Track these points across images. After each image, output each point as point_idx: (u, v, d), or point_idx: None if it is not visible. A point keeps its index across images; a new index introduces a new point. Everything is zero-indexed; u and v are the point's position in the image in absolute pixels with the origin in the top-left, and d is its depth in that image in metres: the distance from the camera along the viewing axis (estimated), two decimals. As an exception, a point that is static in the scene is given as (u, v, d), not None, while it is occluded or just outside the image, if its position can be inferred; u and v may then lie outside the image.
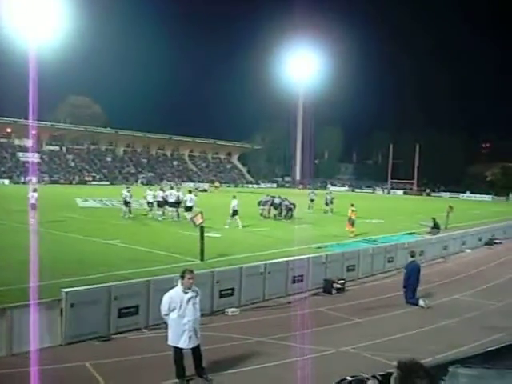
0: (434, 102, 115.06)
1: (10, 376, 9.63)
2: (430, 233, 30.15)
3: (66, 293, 11.59)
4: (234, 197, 33.38)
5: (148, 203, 35.39)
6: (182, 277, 9.55)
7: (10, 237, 24.59)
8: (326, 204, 45.26)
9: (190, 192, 35.98)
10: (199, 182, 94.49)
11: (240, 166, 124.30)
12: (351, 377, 4.05)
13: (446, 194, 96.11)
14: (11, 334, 10.74)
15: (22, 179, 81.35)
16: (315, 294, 17.11)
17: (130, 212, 35.13)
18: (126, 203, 35.39)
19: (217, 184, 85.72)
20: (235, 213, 32.16)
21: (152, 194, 35.28)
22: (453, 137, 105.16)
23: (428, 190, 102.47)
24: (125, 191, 35.81)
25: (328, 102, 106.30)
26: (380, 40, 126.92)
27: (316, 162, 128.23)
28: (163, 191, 35.51)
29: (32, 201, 29.75)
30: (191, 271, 9.77)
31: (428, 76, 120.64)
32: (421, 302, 15.86)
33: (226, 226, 30.94)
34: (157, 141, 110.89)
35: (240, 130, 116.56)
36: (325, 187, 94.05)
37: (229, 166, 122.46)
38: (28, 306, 11.45)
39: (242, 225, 31.32)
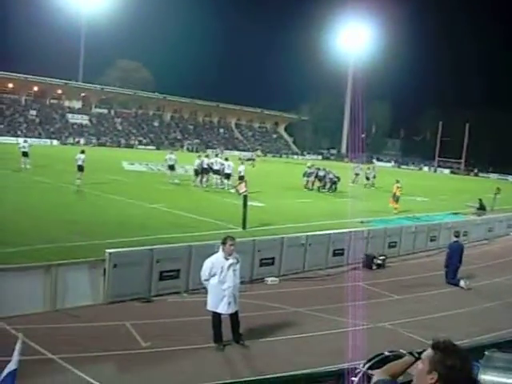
0: (488, 79, 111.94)
1: (52, 331, 9.92)
2: (475, 214, 29.61)
3: (110, 253, 11.82)
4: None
5: (195, 170, 35.36)
6: (224, 243, 9.64)
7: (56, 197, 25.13)
8: (367, 178, 45.26)
9: (226, 159, 36.21)
10: (244, 150, 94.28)
11: (286, 136, 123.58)
12: (388, 352, 4.05)
13: (495, 176, 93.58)
14: (55, 290, 11.03)
15: (71, 140, 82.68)
16: (355, 269, 17.03)
17: (174, 177, 35.43)
18: (171, 167, 35.77)
19: (258, 153, 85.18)
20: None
21: (200, 161, 35.20)
22: (505, 116, 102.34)
23: (476, 170, 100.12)
24: (169, 156, 36.19)
25: (378, 75, 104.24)
26: (435, 13, 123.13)
27: (363, 136, 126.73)
28: (208, 158, 35.66)
29: (79, 162, 30.25)
30: (233, 238, 9.85)
31: (484, 52, 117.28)
32: (462, 283, 15.69)
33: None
34: (204, 108, 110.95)
35: (288, 100, 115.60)
36: (371, 162, 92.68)
37: (275, 136, 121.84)
38: (72, 264, 11.76)
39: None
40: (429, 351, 2.91)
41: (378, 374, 3.30)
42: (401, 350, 4.05)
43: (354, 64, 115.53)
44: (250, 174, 33.61)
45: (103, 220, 19.96)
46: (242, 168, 34.25)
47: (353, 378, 3.98)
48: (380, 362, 3.89)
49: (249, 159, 74.73)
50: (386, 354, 4.01)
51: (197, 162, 34.64)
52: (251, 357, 9.61)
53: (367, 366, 3.94)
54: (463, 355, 2.83)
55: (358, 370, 3.97)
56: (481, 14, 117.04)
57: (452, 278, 15.91)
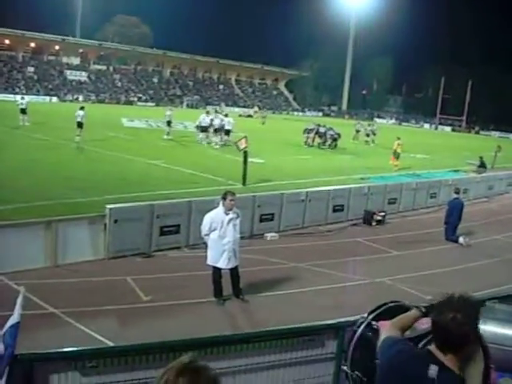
0: (490, 36, 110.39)
1: (53, 286, 9.99)
2: (475, 171, 29.55)
3: (110, 209, 11.83)
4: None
5: (200, 127, 35.09)
6: (224, 198, 9.62)
7: (56, 153, 25.04)
8: (367, 135, 45.31)
9: (226, 115, 36.40)
10: (244, 107, 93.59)
11: (286, 92, 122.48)
12: (394, 302, 4.05)
13: (496, 134, 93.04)
14: (56, 246, 11.07)
15: (69, 97, 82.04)
16: (355, 225, 17.12)
17: (170, 133, 35.63)
18: (169, 123, 36.05)
19: (255, 109, 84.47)
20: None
21: (206, 118, 34.93)
22: (507, 75, 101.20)
23: (477, 128, 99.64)
24: (168, 112, 36.32)
25: (380, 31, 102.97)
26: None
27: (364, 92, 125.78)
28: (208, 115, 35.42)
29: (78, 119, 30.08)
30: (233, 193, 9.83)
31: (486, 10, 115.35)
32: (461, 240, 15.74)
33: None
34: (204, 64, 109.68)
35: (288, 56, 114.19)
36: (371, 119, 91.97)
37: (275, 93, 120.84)
38: (73, 220, 11.78)
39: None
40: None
41: (387, 328, 3.29)
42: (405, 302, 4.06)
43: (355, 19, 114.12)
44: (250, 131, 33.43)
45: (103, 176, 19.92)
46: (228, 120, 34.78)
47: (356, 328, 4.00)
48: (384, 313, 3.90)
49: (249, 115, 74.57)
50: (390, 304, 4.01)
51: (205, 118, 34.41)
52: (251, 311, 9.70)
53: (372, 316, 3.96)
54: (453, 310, 2.76)
55: (362, 320, 3.98)
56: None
57: (451, 234, 15.95)
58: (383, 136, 44.02)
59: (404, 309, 3.66)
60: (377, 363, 3.20)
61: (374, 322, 3.82)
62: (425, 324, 3.39)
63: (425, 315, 3.40)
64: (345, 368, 4.01)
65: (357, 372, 3.85)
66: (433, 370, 2.71)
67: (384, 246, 14.72)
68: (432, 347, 2.84)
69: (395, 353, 2.93)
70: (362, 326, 3.93)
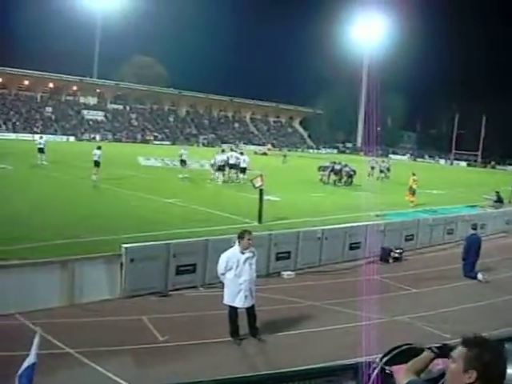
0: (503, 71, 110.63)
1: (69, 325, 9.98)
2: (492, 206, 29.35)
3: (126, 248, 11.87)
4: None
5: (216, 166, 35.21)
6: (242, 237, 9.62)
7: (73, 192, 25.27)
8: (381, 171, 45.71)
9: (242, 154, 36.60)
10: (259, 145, 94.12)
11: (301, 130, 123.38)
12: (406, 345, 4.01)
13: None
14: (72, 285, 11.10)
15: (87, 136, 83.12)
16: (372, 262, 16.97)
17: (185, 172, 35.48)
18: (183, 162, 36.06)
19: (269, 147, 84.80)
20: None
21: (222, 156, 35.13)
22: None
23: (493, 163, 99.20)
24: (182, 151, 36.45)
25: (393, 68, 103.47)
26: (450, 5, 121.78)
27: (378, 129, 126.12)
28: (224, 153, 35.67)
29: (95, 158, 30.43)
30: (250, 232, 9.84)
31: (499, 45, 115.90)
32: (479, 276, 15.56)
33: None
34: (219, 102, 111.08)
35: (302, 94, 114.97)
36: (386, 155, 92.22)
37: (290, 130, 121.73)
38: (89, 259, 11.81)
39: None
40: (461, 349, 2.83)
41: (403, 374, 3.25)
42: (416, 344, 4.01)
43: (368, 56, 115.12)
44: (266, 168, 33.56)
45: (120, 215, 20.03)
46: (243, 158, 35.18)
47: (370, 373, 3.95)
48: (396, 356, 3.85)
49: (264, 153, 74.88)
50: (403, 347, 3.97)
51: (220, 157, 34.62)
52: (268, 351, 9.61)
53: (384, 360, 3.91)
54: (497, 349, 2.79)
55: (375, 365, 3.93)
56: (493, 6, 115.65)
57: (470, 271, 15.79)
58: (398, 172, 44.01)
59: (417, 351, 3.62)
60: None
61: (387, 367, 3.78)
62: (440, 365, 3.35)
63: (438, 356, 3.36)
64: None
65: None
66: None
67: (402, 284, 14.59)
68: None
69: None
70: (376, 371, 3.88)
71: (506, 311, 12.65)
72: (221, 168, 34.46)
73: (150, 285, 12.13)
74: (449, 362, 2.95)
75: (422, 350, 3.55)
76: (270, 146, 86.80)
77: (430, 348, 3.46)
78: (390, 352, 3.96)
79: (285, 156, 60.29)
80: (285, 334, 10.29)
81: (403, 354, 3.72)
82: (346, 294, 13.05)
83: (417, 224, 19.95)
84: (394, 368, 3.52)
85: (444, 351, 3.31)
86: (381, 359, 3.96)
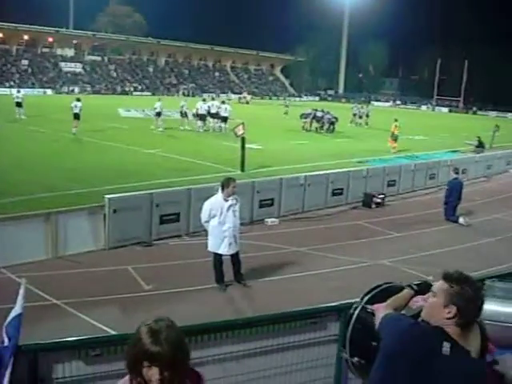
0: (485, 16, 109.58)
1: (55, 277, 10.00)
2: (474, 151, 29.53)
3: (109, 199, 11.82)
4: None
5: (197, 115, 34.96)
6: (227, 185, 9.57)
7: (53, 145, 25.01)
8: (360, 117, 46.16)
9: (223, 102, 36.26)
10: (240, 93, 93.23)
11: (283, 78, 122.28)
12: (386, 283, 4.06)
13: (494, 113, 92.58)
14: (56, 237, 11.07)
15: (65, 89, 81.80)
16: (354, 208, 17.13)
17: (160, 125, 34.74)
18: (158, 114, 35.26)
19: (245, 94, 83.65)
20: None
21: (203, 105, 34.80)
22: (504, 54, 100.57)
23: (475, 108, 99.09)
24: (157, 103, 35.44)
25: (375, 13, 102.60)
26: None
27: (360, 75, 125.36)
28: (205, 103, 35.38)
29: (75, 110, 30.04)
30: (234, 180, 9.82)
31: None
32: (461, 220, 15.73)
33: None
34: (198, 51, 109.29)
35: (283, 41, 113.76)
36: (368, 102, 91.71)
37: (271, 78, 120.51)
38: (72, 211, 11.76)
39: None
40: (441, 283, 2.87)
41: (381, 309, 3.29)
42: (396, 282, 4.06)
43: (349, 3, 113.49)
44: (246, 117, 33.34)
45: (101, 167, 19.90)
46: (225, 107, 34.80)
47: (352, 312, 4.01)
48: (377, 295, 3.90)
49: (246, 102, 74.28)
50: (384, 286, 4.02)
51: (202, 106, 34.36)
52: (253, 296, 9.72)
53: (365, 299, 3.96)
54: (477, 286, 2.83)
55: (356, 305, 3.99)
56: None
57: (451, 214, 15.95)
58: (380, 118, 44.00)
59: (397, 289, 3.66)
60: (375, 344, 3.18)
61: (368, 306, 3.83)
62: (420, 302, 3.40)
63: (417, 293, 3.41)
64: (344, 355, 4.02)
65: (356, 358, 3.87)
66: (446, 348, 2.72)
67: (384, 228, 14.73)
68: (442, 324, 2.82)
69: (407, 327, 2.91)
70: (358, 310, 3.94)
71: (487, 253, 12.87)
72: (202, 117, 34.26)
73: (134, 235, 12.13)
74: (428, 296, 2.99)
75: (402, 289, 3.60)
76: (245, 93, 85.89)
77: (409, 285, 3.50)
78: (370, 291, 4.01)
79: (287, 106, 56.43)
80: (270, 280, 10.39)
81: (384, 293, 3.77)
82: (329, 240, 13.21)
83: (399, 169, 20.04)
84: (375, 306, 3.57)
85: (423, 288, 3.35)
86: (361, 298, 4.01)
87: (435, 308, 2.86)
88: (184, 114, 35.92)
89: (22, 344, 3.93)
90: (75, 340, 4.45)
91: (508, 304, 3.90)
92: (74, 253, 11.17)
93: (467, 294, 2.76)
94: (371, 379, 3.02)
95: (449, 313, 2.78)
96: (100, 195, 12.55)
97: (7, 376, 3.66)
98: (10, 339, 3.86)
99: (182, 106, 35.97)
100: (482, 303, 2.85)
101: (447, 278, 2.85)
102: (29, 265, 10.13)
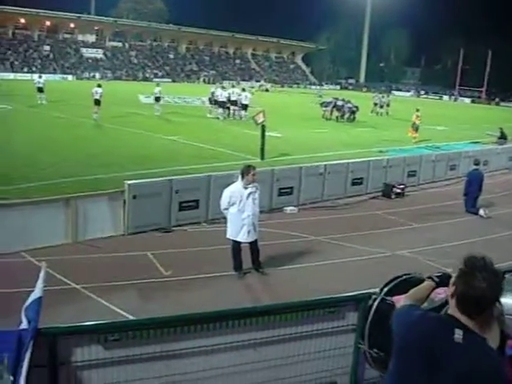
0: (509, 6, 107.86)
1: (74, 261, 10.08)
2: (496, 143, 29.21)
3: (129, 185, 11.87)
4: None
5: (216, 102, 35.00)
6: (247, 172, 9.55)
7: (74, 131, 25.12)
8: (381, 107, 45.82)
9: (243, 90, 36.26)
10: (262, 81, 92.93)
11: (303, 66, 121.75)
12: (406, 275, 4.03)
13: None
14: (76, 222, 11.15)
15: (86, 75, 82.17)
16: (374, 198, 17.04)
17: (158, 109, 34.91)
18: (157, 99, 35.32)
19: (262, 83, 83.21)
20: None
21: (223, 92, 34.81)
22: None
23: (497, 99, 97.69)
24: (157, 88, 35.55)
25: (397, 1, 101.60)
26: None
27: (382, 65, 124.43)
28: (224, 89, 35.36)
29: (96, 96, 30.16)
30: (254, 167, 9.80)
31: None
32: (481, 212, 15.59)
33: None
34: (219, 38, 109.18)
35: (305, 29, 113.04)
36: (390, 91, 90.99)
37: (292, 66, 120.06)
38: (92, 196, 11.84)
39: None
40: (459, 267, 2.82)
41: (402, 301, 3.25)
42: (416, 274, 4.02)
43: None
44: (267, 105, 33.25)
45: (122, 153, 19.97)
46: (245, 95, 34.78)
47: (371, 304, 3.99)
48: (396, 287, 3.88)
49: (266, 89, 74.04)
50: (403, 277, 3.99)
51: (222, 93, 34.37)
52: (271, 284, 9.73)
53: (385, 290, 3.94)
54: (487, 273, 2.70)
55: (375, 296, 3.97)
56: None
57: (471, 206, 15.81)
58: (401, 108, 43.70)
59: (417, 281, 3.61)
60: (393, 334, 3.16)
61: (388, 297, 3.80)
62: (442, 294, 3.35)
63: (438, 285, 3.35)
64: (362, 347, 4.01)
65: (375, 349, 3.85)
66: (458, 335, 2.68)
67: (403, 219, 14.64)
68: (453, 312, 2.79)
69: (417, 318, 2.88)
70: (377, 302, 3.91)
71: (507, 246, 12.72)
72: (222, 105, 34.24)
73: (153, 221, 12.18)
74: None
75: (422, 281, 3.55)
76: (262, 81, 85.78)
77: (430, 277, 3.46)
78: (389, 282, 3.98)
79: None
80: (288, 268, 10.38)
81: (404, 285, 3.74)
82: (348, 229, 13.16)
83: (419, 160, 19.88)
84: (395, 298, 3.54)
85: (444, 280, 3.28)
86: (381, 290, 3.99)
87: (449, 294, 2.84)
88: (157, 100, 35.61)
89: (41, 327, 3.96)
90: (94, 324, 4.50)
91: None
92: (93, 238, 11.26)
93: (470, 278, 2.70)
94: (389, 371, 3.00)
95: (450, 292, 2.78)
96: (120, 181, 12.61)
97: (27, 358, 3.69)
98: (29, 322, 3.89)
99: (157, 92, 35.51)
100: (491, 294, 2.73)
101: (464, 260, 2.80)
102: (49, 249, 10.23)
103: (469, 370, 2.65)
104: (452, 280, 2.81)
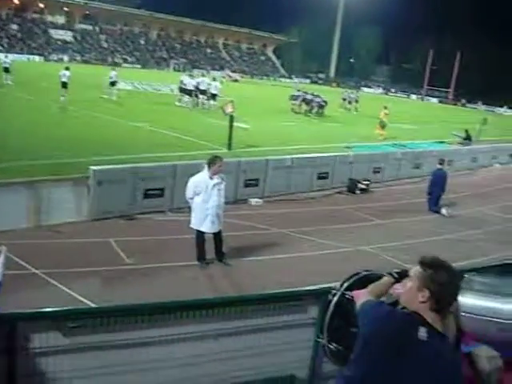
0: (481, 6, 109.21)
1: (36, 246, 9.95)
2: (460, 144, 29.69)
3: (94, 170, 11.76)
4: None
5: (184, 90, 34.79)
6: (213, 163, 9.54)
7: (39, 113, 24.71)
8: (349, 103, 46.02)
9: (214, 79, 36.12)
10: (232, 71, 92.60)
11: (274, 58, 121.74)
12: (365, 271, 4.08)
13: (482, 107, 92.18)
14: (39, 206, 11.00)
15: (54, 57, 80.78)
16: (339, 193, 17.19)
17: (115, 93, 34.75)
18: (113, 84, 35.10)
19: (229, 73, 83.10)
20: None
21: (191, 81, 34.67)
22: (496, 48, 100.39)
23: (464, 101, 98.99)
24: (112, 72, 35.40)
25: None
26: None
27: (352, 60, 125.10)
28: (193, 78, 35.23)
29: (63, 79, 29.75)
30: (221, 158, 9.79)
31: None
32: (443, 211, 15.82)
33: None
34: (191, 26, 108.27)
35: (277, 21, 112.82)
36: (358, 87, 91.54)
37: (263, 58, 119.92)
38: (56, 181, 11.69)
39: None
40: (417, 268, 2.90)
41: (361, 295, 3.30)
42: (375, 271, 4.08)
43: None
44: (236, 96, 33.19)
45: (88, 138, 19.70)
46: (215, 85, 34.57)
47: (330, 298, 4.02)
48: (356, 282, 3.92)
49: (235, 80, 73.94)
50: (363, 273, 4.04)
51: (191, 81, 34.20)
52: (234, 275, 9.74)
53: (345, 286, 3.98)
54: (452, 271, 2.84)
55: (335, 291, 4.00)
56: None
57: (434, 205, 16.03)
58: (370, 105, 44.00)
59: (376, 277, 3.67)
60: (354, 331, 3.20)
61: (348, 292, 3.85)
62: (400, 289, 3.42)
63: (397, 281, 3.42)
64: (321, 341, 4.05)
65: (334, 344, 3.89)
66: (422, 332, 2.75)
67: (367, 215, 14.81)
68: (419, 309, 2.85)
69: (385, 314, 2.94)
70: (337, 297, 3.95)
71: (468, 245, 12.97)
72: (190, 93, 34.08)
73: (117, 208, 12.09)
74: (406, 280, 3.01)
75: (380, 277, 3.61)
76: (229, 71, 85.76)
77: (389, 273, 3.52)
78: (349, 278, 4.02)
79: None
80: (251, 260, 10.42)
81: (363, 281, 3.78)
82: (312, 223, 13.24)
83: (385, 157, 20.11)
84: (354, 293, 3.58)
85: (403, 276, 3.36)
86: (341, 285, 4.02)
87: (411, 293, 2.90)
88: (112, 84, 35.21)
89: (0, 313, 3.91)
90: (53, 311, 4.44)
91: (486, 298, 3.94)
92: (56, 223, 11.11)
93: (441, 278, 2.79)
94: (350, 365, 3.04)
95: (422, 297, 2.81)
96: (86, 166, 12.45)
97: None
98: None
99: (112, 76, 35.21)
100: (458, 289, 2.90)
101: (423, 262, 2.89)
102: (9, 233, 10.04)
103: (432, 365, 2.72)
104: (415, 284, 2.87)
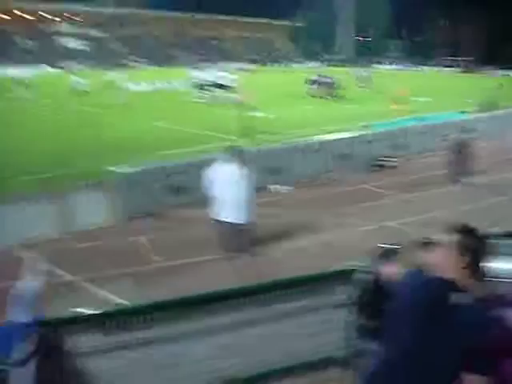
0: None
1: (67, 252, 10.11)
2: (481, 111, 29.25)
3: (119, 172, 11.91)
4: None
5: (200, 85, 34.93)
6: (233, 154, 9.58)
7: (60, 121, 25.00)
8: (363, 81, 46.49)
9: (227, 72, 36.42)
10: (240, 62, 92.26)
11: (283, 44, 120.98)
12: (391, 244, 4.12)
13: (499, 72, 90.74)
14: (66, 212, 11.16)
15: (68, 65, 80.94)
16: (361, 172, 17.10)
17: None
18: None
19: (241, 65, 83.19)
20: None
21: (206, 75, 34.87)
22: (507, 14, 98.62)
23: (478, 67, 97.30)
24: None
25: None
26: None
27: (362, 39, 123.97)
28: (207, 72, 35.33)
29: (78, 85, 30.09)
30: (241, 150, 9.82)
31: None
32: (464, 180, 15.62)
33: None
34: (199, 21, 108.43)
35: (281, 7, 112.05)
36: (372, 64, 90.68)
37: (271, 46, 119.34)
38: (83, 186, 11.84)
39: None
40: (453, 237, 3.00)
41: (394, 268, 3.38)
42: (399, 244, 4.11)
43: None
44: (252, 85, 33.21)
45: (109, 141, 19.90)
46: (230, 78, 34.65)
47: (358, 276, 4.08)
48: (383, 256, 3.96)
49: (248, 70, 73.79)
50: (388, 247, 4.07)
51: (203, 76, 34.39)
52: (260, 264, 9.70)
53: (372, 261, 4.02)
54: (483, 236, 3.03)
55: (363, 268, 4.06)
56: None
57: (457, 175, 15.84)
58: (384, 82, 43.64)
59: (399, 248, 3.73)
60: (385, 306, 3.24)
61: (375, 268, 3.88)
62: (391, 269, 3.47)
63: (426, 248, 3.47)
64: (353, 318, 4.10)
65: (368, 320, 3.94)
66: (457, 298, 2.85)
67: (391, 191, 14.72)
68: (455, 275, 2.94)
69: (426, 282, 3.04)
70: (364, 274, 4.00)
71: (496, 212, 12.82)
72: (206, 88, 34.17)
73: (144, 207, 12.21)
74: (439, 248, 3.07)
75: (405, 248, 3.66)
76: (240, 63, 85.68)
77: (417, 243, 3.57)
78: (376, 253, 4.06)
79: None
80: (277, 247, 10.44)
81: (389, 254, 3.82)
82: (335, 204, 13.25)
83: (405, 132, 19.93)
84: (383, 268, 3.63)
85: (432, 246, 3.41)
86: (368, 261, 4.07)
87: (450, 260, 2.97)
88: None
89: (40, 319, 4.02)
90: (93, 313, 4.58)
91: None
92: (83, 227, 11.26)
93: (477, 243, 2.95)
94: (385, 336, 3.12)
95: (463, 262, 2.93)
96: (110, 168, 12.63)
97: (26, 349, 3.76)
98: (26, 314, 3.96)
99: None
100: (488, 254, 3.03)
101: (458, 229, 3.01)
102: (40, 241, 10.20)
103: (466, 331, 2.83)
104: (453, 251, 2.97)
